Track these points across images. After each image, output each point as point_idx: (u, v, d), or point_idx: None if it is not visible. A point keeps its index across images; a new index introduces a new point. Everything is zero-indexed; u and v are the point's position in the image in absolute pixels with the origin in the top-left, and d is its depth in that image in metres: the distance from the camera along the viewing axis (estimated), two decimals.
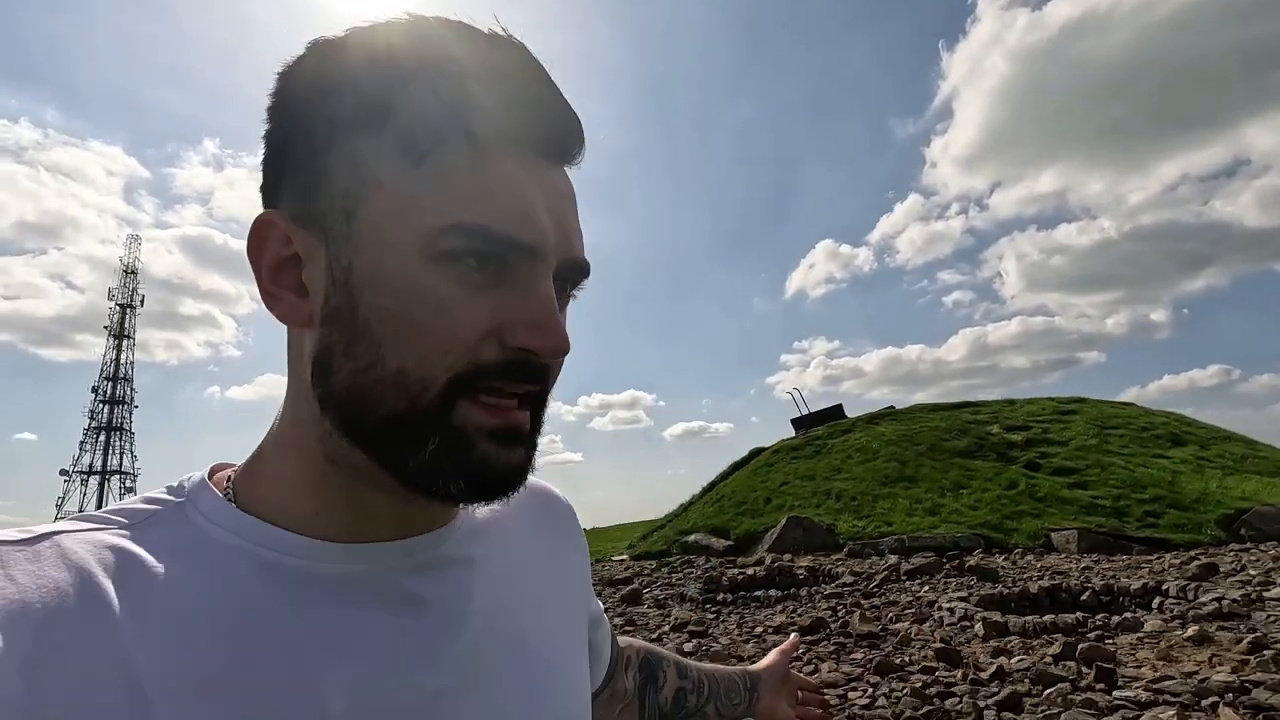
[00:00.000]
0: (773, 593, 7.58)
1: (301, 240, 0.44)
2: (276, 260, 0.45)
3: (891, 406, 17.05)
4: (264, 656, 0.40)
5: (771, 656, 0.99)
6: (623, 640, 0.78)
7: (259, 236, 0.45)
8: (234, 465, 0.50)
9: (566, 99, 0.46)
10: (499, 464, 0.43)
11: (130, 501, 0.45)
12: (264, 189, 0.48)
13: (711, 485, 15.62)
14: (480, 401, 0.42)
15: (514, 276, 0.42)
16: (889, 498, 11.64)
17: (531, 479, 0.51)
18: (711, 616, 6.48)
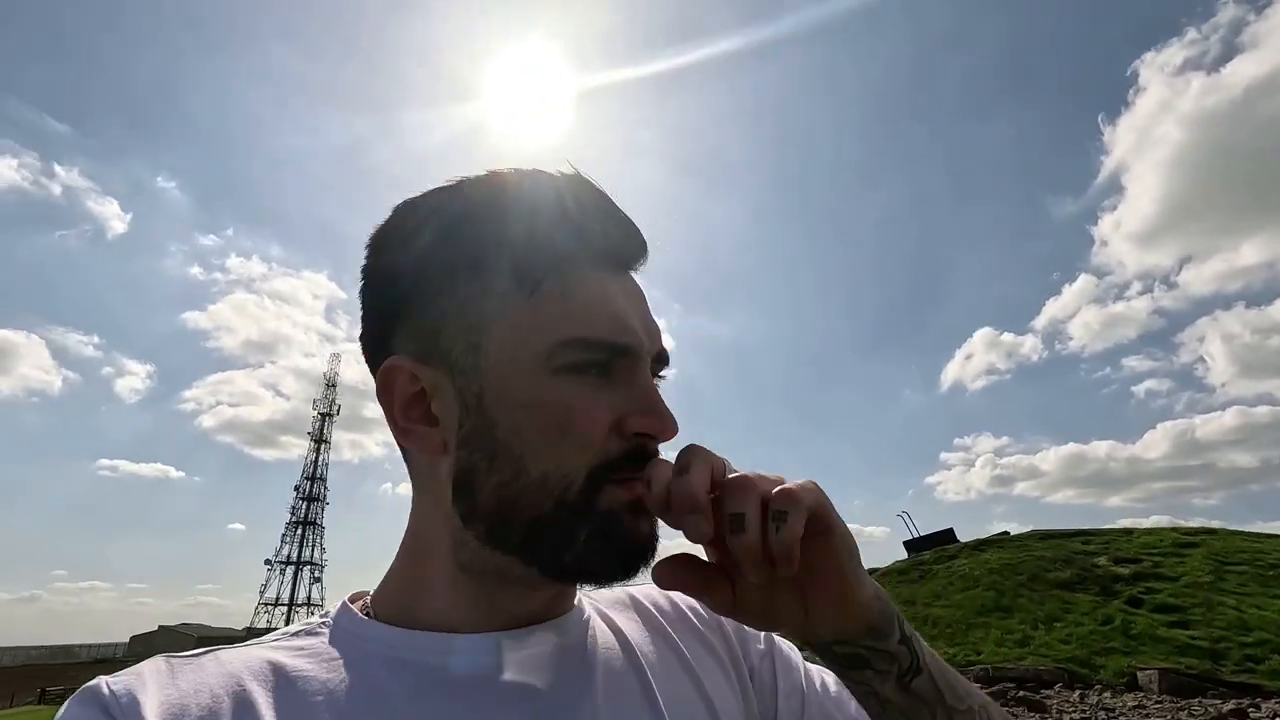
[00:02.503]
0: None
1: (428, 376, 0.50)
2: (406, 398, 0.51)
3: (1006, 532, 17.29)
4: None
5: None
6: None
7: (388, 381, 0.51)
8: (369, 592, 0.56)
9: (628, 215, 0.53)
10: (639, 534, 0.47)
11: (283, 630, 0.52)
12: (372, 342, 0.54)
13: None
14: (619, 482, 0.47)
15: (620, 375, 0.48)
16: (983, 627, 12.33)
17: (648, 584, 0.56)
18: None
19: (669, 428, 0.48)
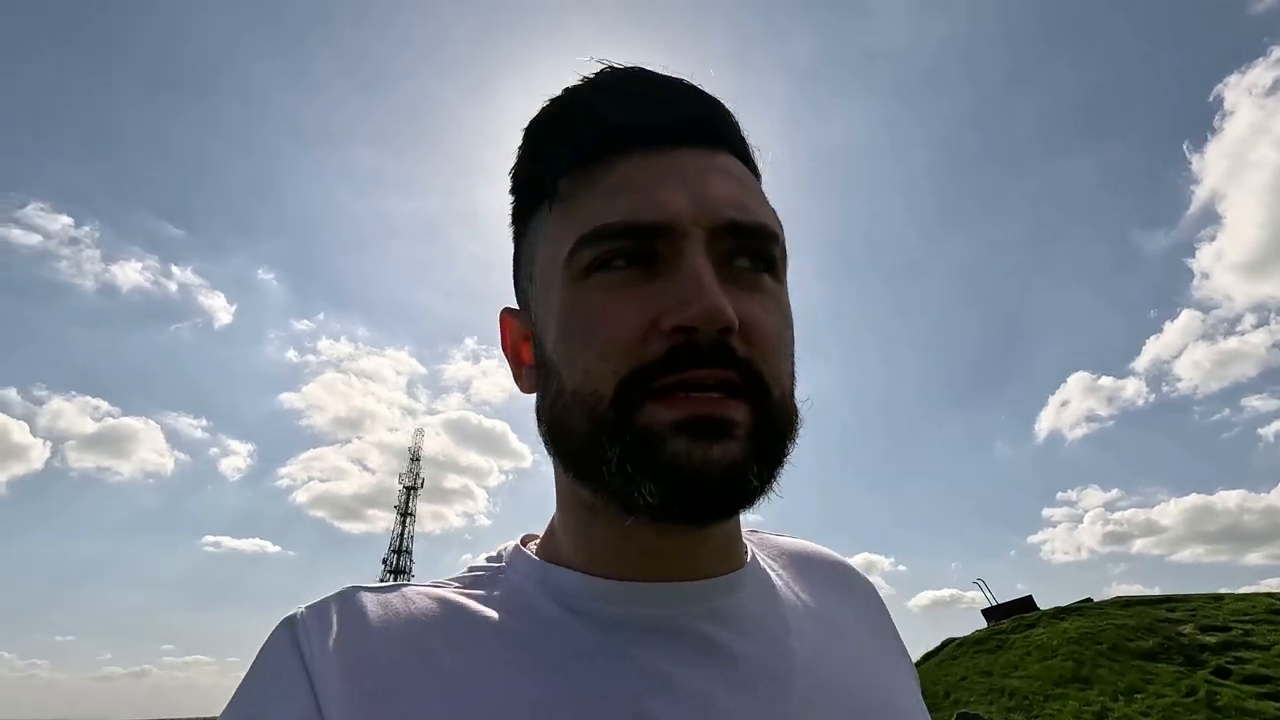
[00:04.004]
0: None
1: (522, 322, 0.52)
2: (513, 346, 0.53)
3: (1089, 599, 16.86)
4: (589, 687, 0.41)
5: None
6: None
7: (503, 333, 0.54)
8: (538, 535, 0.55)
9: (693, 85, 0.47)
10: (697, 461, 0.38)
11: (461, 571, 0.52)
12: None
13: None
14: (667, 398, 0.40)
15: (663, 264, 0.42)
16: (1060, 698, 12.23)
17: (827, 551, 0.57)
18: None
19: (705, 310, 0.38)
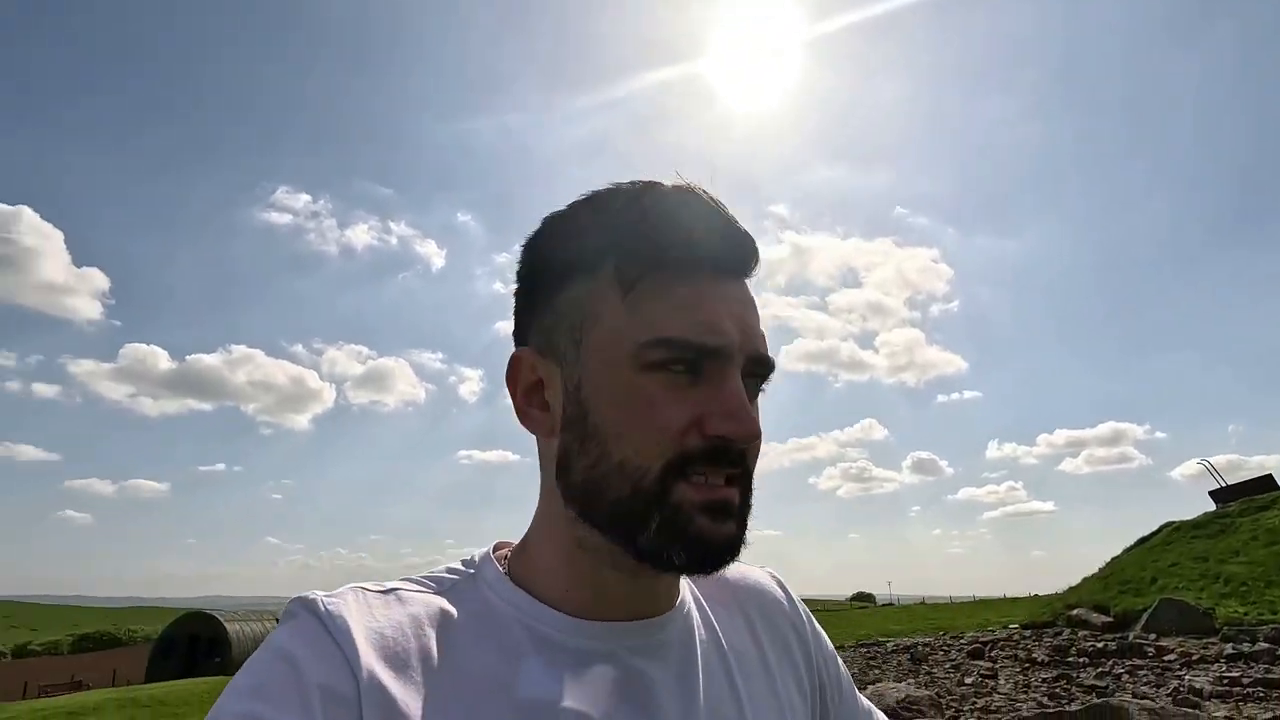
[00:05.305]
0: (1121, 664, 9.53)
1: (544, 368, 0.55)
2: (526, 386, 0.56)
3: None
4: (534, 714, 0.49)
5: None
6: None
7: (514, 368, 0.57)
8: (511, 544, 0.60)
9: (741, 225, 0.55)
10: (713, 535, 0.50)
11: (437, 570, 0.56)
12: (516, 329, 0.59)
13: (1116, 558, 15.95)
14: (693, 482, 0.50)
15: (709, 376, 0.51)
16: None
17: (746, 569, 0.65)
18: (1042, 679, 8.95)
19: (747, 430, 0.50)
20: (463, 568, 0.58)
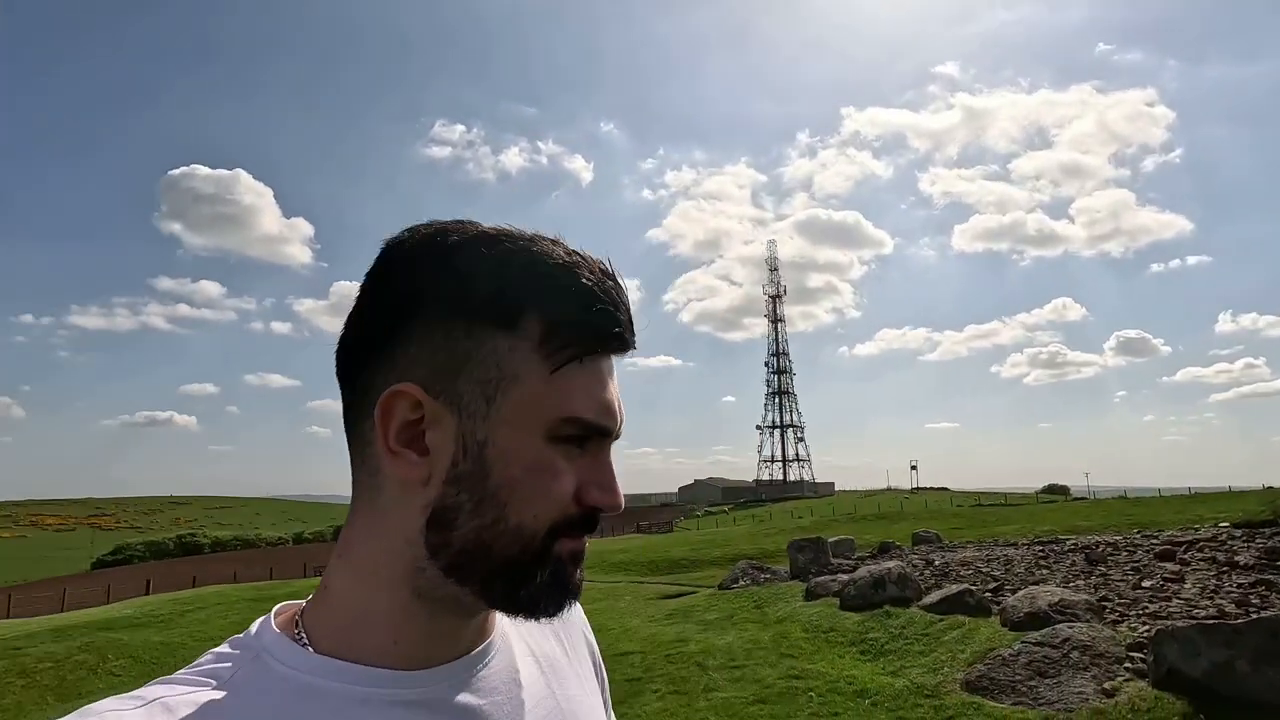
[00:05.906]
0: None
1: (431, 409, 0.50)
2: (402, 423, 0.50)
3: None
4: None
5: None
6: None
7: (390, 403, 0.50)
8: (295, 606, 0.55)
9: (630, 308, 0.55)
10: (579, 583, 0.54)
11: (204, 661, 0.49)
12: (363, 346, 0.53)
13: None
14: (567, 538, 0.52)
15: (590, 450, 0.53)
16: None
17: None
18: (1238, 584, 8.40)
19: (618, 504, 0.53)
20: (235, 651, 0.50)
